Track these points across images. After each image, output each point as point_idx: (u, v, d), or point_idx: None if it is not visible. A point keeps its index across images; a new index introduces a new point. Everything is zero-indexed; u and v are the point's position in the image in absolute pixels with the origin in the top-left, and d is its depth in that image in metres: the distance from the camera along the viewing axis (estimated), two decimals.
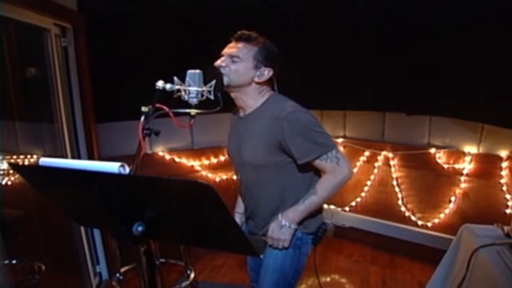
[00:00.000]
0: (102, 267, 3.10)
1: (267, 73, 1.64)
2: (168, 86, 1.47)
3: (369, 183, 3.59)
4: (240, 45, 1.61)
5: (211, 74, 1.54)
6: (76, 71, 2.69)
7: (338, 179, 1.61)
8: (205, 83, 1.52)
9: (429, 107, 3.05)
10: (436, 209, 3.25)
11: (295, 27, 3.20)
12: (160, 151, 3.21)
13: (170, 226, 1.05)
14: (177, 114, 1.51)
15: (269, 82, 1.71)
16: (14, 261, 2.45)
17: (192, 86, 1.49)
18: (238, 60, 1.59)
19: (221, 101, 1.52)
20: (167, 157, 3.22)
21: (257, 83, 1.65)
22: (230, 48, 1.62)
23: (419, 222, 3.34)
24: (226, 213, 0.86)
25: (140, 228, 1.05)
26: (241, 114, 1.75)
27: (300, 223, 1.68)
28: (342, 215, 3.83)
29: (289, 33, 3.18)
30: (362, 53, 3.12)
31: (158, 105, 1.47)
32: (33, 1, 2.14)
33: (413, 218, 3.38)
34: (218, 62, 1.61)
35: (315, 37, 3.19)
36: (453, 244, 2.27)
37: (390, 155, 3.40)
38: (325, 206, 3.86)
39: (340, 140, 3.72)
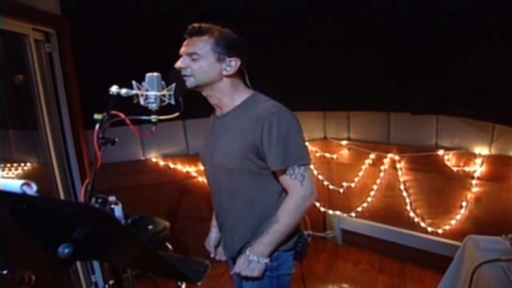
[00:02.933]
0: (98, 277, 3.03)
1: (234, 63, 1.49)
2: (123, 91, 1.35)
3: (375, 187, 3.40)
4: (195, 39, 1.47)
5: (174, 76, 1.42)
6: (62, 76, 2.62)
7: (299, 202, 1.46)
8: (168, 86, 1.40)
9: (435, 106, 2.86)
10: (447, 214, 3.04)
11: (295, 26, 3.08)
12: (154, 157, 3.11)
13: (96, 247, 0.93)
14: (138, 121, 1.40)
15: (241, 76, 1.56)
16: (5, 271, 2.40)
17: (150, 91, 1.37)
18: (197, 57, 1.46)
19: (182, 106, 1.40)
20: (161, 163, 3.12)
21: (228, 76, 1.51)
22: (186, 46, 1.49)
23: (429, 229, 3.13)
24: (130, 237, 0.73)
25: (66, 250, 0.94)
26: (218, 113, 1.62)
27: (282, 242, 1.53)
28: (349, 221, 3.65)
29: (290, 32, 3.08)
30: (365, 52, 2.98)
31: (113, 112, 1.37)
32: (8, 7, 2.06)
33: (422, 224, 3.17)
34: (178, 64, 1.48)
35: (317, 36, 3.07)
36: (456, 256, 2.08)
37: (397, 157, 3.21)
38: (331, 211, 3.70)
39: (344, 142, 3.54)
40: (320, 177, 3.69)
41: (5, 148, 2.61)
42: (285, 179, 1.47)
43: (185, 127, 3.20)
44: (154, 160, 3.11)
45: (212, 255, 1.88)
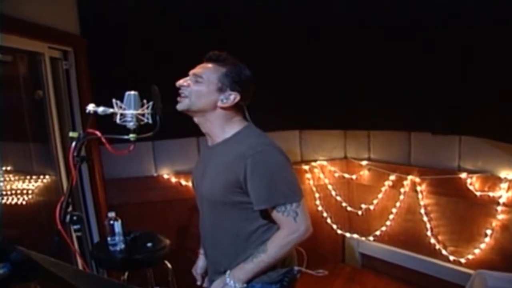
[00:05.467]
0: None
1: (233, 97, 1.47)
2: (100, 109, 1.36)
3: (394, 210, 3.23)
4: (208, 65, 1.49)
5: (154, 95, 1.41)
6: (77, 92, 2.70)
7: (291, 237, 1.43)
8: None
9: (456, 125, 2.69)
10: (471, 242, 2.82)
11: (315, 43, 3.08)
12: (166, 174, 3.12)
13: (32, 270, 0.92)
14: (115, 140, 1.40)
15: (238, 110, 1.54)
16: None
17: (127, 109, 1.36)
18: (201, 81, 1.46)
19: (158, 125, 1.38)
20: (173, 180, 3.11)
21: (223, 108, 1.48)
22: (197, 68, 1.50)
23: (451, 257, 2.92)
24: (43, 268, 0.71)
25: (2, 271, 0.94)
26: (209, 143, 1.60)
27: (261, 272, 1.48)
28: (368, 245, 3.49)
29: (310, 49, 3.09)
30: (386, 71, 2.89)
31: (90, 130, 1.37)
32: (23, 27, 2.15)
33: (444, 252, 2.96)
34: (180, 81, 1.49)
35: (338, 55, 3.05)
36: None
37: (417, 180, 3.04)
38: (348, 234, 3.56)
39: (364, 162, 3.41)
40: (338, 198, 3.57)
41: (26, 160, 2.72)
42: (276, 216, 1.44)
43: (199, 145, 3.19)
44: (166, 176, 3.11)
45: (199, 283, 1.85)
